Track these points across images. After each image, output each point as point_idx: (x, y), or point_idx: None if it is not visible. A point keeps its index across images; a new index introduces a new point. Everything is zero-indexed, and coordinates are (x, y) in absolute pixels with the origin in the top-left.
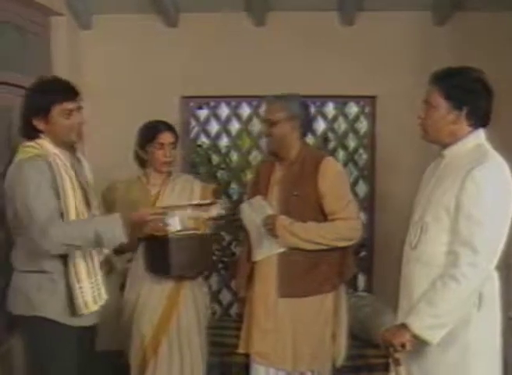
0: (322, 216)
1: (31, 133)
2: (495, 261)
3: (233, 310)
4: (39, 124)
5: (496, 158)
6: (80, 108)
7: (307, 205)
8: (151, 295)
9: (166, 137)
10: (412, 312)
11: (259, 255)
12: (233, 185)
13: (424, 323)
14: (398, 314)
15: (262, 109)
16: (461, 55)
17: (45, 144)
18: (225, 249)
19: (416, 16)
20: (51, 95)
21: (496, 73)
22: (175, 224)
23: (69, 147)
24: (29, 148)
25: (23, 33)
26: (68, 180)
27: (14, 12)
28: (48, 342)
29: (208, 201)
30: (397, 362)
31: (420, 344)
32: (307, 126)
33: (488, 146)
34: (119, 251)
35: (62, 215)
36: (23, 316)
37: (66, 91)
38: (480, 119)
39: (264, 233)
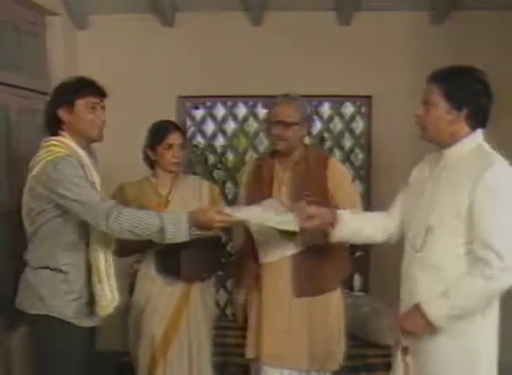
0: None
1: (54, 126)
2: None
3: (230, 310)
4: (63, 115)
5: (502, 161)
6: (103, 107)
7: (318, 204)
8: (162, 296)
9: (175, 138)
10: (433, 308)
11: (271, 256)
12: (229, 185)
13: (442, 312)
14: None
15: (272, 109)
16: (458, 54)
17: (69, 143)
18: (223, 249)
19: (413, 16)
20: (78, 87)
21: (494, 71)
22: None
23: (86, 146)
24: (55, 147)
25: (19, 33)
26: (97, 180)
27: (10, 11)
28: (57, 341)
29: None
30: (406, 351)
31: (430, 333)
32: (311, 128)
33: (487, 147)
34: (126, 252)
35: None
36: (34, 314)
37: (94, 87)
38: (479, 120)
39: (275, 236)
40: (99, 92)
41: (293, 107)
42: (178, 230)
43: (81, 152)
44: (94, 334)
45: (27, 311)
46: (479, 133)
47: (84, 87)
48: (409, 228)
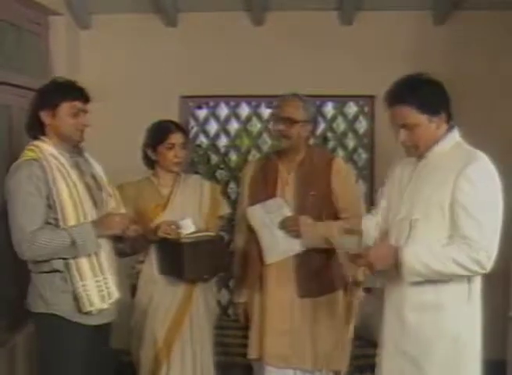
0: (334, 214)
1: (35, 129)
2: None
3: (232, 310)
4: (46, 118)
5: (484, 157)
6: (86, 111)
7: (323, 203)
8: (164, 297)
9: (177, 138)
10: (413, 252)
11: (275, 257)
12: (232, 185)
13: (415, 267)
14: (385, 307)
15: (278, 106)
16: (461, 54)
17: (43, 147)
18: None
19: (415, 16)
20: (63, 91)
21: (497, 71)
22: (187, 226)
23: (73, 147)
24: (27, 152)
25: (21, 33)
26: (63, 183)
27: (12, 11)
28: (60, 339)
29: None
30: (358, 284)
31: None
32: (316, 129)
33: (466, 144)
34: (130, 253)
35: (55, 218)
36: (38, 312)
37: (78, 92)
38: (451, 116)
39: (281, 235)
40: (84, 97)
41: (300, 106)
42: (87, 239)
43: (58, 155)
44: (105, 333)
45: (32, 310)
46: (456, 131)
47: (70, 92)
48: (392, 224)
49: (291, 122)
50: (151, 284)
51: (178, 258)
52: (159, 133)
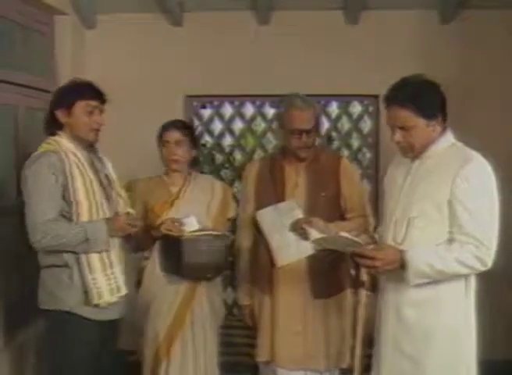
0: (340, 214)
1: (52, 126)
2: None
3: (237, 309)
4: (61, 116)
5: (480, 157)
6: (102, 110)
7: (333, 204)
8: (167, 295)
9: (171, 135)
10: (418, 253)
11: (287, 259)
12: (237, 184)
13: (421, 268)
14: (382, 305)
15: (291, 114)
16: (467, 53)
17: (61, 141)
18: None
19: (421, 15)
20: (78, 91)
21: (504, 71)
22: (191, 224)
23: (88, 146)
24: (45, 145)
25: (27, 32)
26: (80, 177)
27: (18, 10)
28: (67, 335)
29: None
30: (362, 284)
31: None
32: (321, 129)
33: (461, 144)
34: (135, 249)
35: (68, 212)
36: (48, 310)
37: (94, 92)
38: (446, 118)
39: (292, 238)
40: (99, 96)
41: (313, 112)
42: (99, 237)
43: (75, 150)
44: (112, 332)
45: (41, 307)
46: (450, 133)
47: (85, 91)
48: (389, 223)
49: (309, 132)
50: (153, 282)
51: (177, 255)
52: (158, 132)
